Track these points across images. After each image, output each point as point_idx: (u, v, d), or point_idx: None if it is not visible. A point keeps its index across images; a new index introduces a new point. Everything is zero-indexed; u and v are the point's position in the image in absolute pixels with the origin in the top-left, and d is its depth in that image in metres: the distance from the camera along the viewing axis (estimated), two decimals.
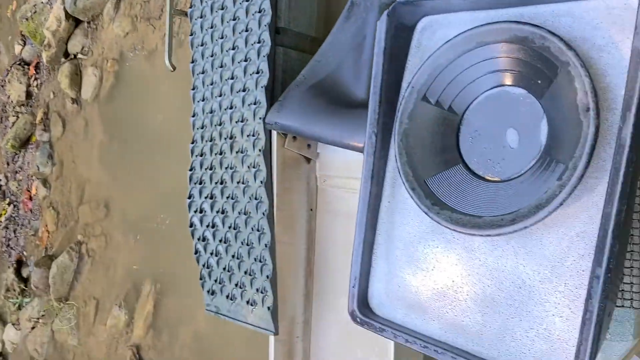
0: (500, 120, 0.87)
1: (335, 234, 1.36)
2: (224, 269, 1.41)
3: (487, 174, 0.88)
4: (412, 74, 0.94)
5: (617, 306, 0.87)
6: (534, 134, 0.83)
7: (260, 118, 1.29)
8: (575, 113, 0.75)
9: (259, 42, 1.31)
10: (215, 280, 1.44)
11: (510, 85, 0.86)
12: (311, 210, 1.39)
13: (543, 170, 0.80)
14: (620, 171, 0.69)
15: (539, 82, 0.81)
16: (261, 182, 1.29)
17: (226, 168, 1.38)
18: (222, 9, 1.39)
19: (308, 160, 1.37)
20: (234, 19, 1.37)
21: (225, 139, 1.38)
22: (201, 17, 1.47)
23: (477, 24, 0.86)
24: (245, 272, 1.34)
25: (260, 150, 1.29)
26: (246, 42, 1.34)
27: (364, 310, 1.00)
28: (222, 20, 1.41)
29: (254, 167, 1.30)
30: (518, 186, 0.83)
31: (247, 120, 1.33)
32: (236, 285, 1.37)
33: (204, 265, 1.47)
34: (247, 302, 1.34)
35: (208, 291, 1.46)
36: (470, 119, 0.90)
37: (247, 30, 1.34)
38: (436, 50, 0.90)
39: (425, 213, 0.88)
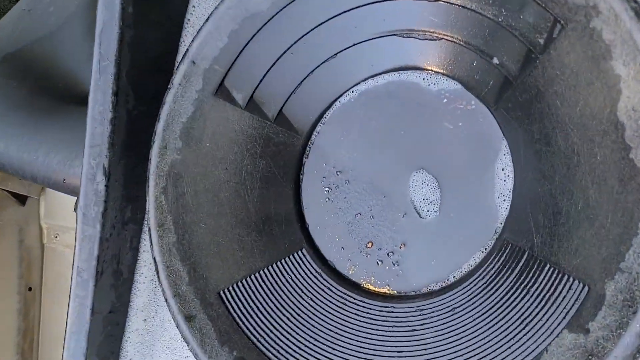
0: (397, 151, 0.37)
1: None
2: None
3: (365, 278, 0.37)
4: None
5: None
6: (479, 187, 0.34)
7: None
8: (609, 131, 0.28)
9: None
10: None
11: (420, 70, 0.36)
12: (30, 289, 0.78)
13: (511, 289, 0.31)
14: None
15: (494, 60, 0.33)
16: None
17: None
18: None
19: (22, 200, 0.75)
20: None
21: None
22: None
23: None
24: None
25: None
26: None
27: None
28: None
29: None
30: (447, 314, 0.33)
31: None
32: None
33: None
34: None
35: None
36: (326, 145, 0.39)
37: None
38: None
39: None
